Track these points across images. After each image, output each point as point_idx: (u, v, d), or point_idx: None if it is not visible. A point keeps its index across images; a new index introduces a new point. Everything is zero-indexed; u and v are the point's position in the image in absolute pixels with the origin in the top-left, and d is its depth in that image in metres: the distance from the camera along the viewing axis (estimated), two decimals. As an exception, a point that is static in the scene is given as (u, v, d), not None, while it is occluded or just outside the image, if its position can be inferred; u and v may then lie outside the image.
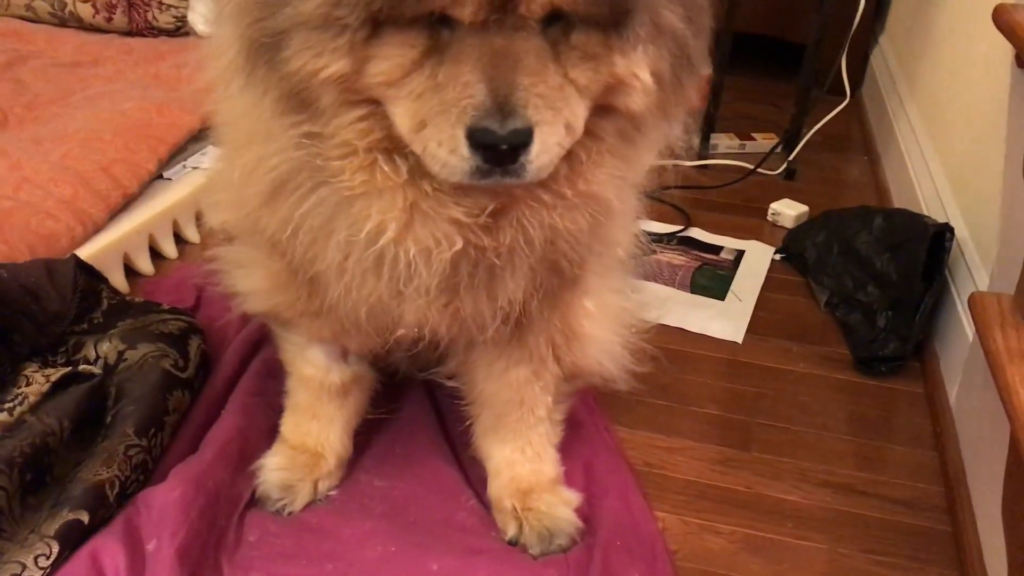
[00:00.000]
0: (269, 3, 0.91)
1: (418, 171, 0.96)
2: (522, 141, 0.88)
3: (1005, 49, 1.54)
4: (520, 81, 0.87)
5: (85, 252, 1.69)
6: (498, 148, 0.88)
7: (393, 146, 0.96)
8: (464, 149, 0.88)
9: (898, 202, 2.29)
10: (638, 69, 0.93)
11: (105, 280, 1.63)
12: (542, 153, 0.90)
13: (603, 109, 0.97)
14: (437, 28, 0.89)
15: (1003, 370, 1.17)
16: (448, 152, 0.89)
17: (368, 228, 1.00)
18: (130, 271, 1.84)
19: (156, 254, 1.92)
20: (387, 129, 0.95)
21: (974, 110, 1.88)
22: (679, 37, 0.95)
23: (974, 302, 1.35)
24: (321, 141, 0.97)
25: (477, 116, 0.87)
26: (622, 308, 1.40)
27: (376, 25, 0.88)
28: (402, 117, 0.92)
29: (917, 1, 2.69)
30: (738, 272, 2.09)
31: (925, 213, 1.98)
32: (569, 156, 0.97)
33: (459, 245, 1.00)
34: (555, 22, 0.90)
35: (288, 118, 0.97)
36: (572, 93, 0.92)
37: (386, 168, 0.97)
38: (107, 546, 1.18)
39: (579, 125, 0.94)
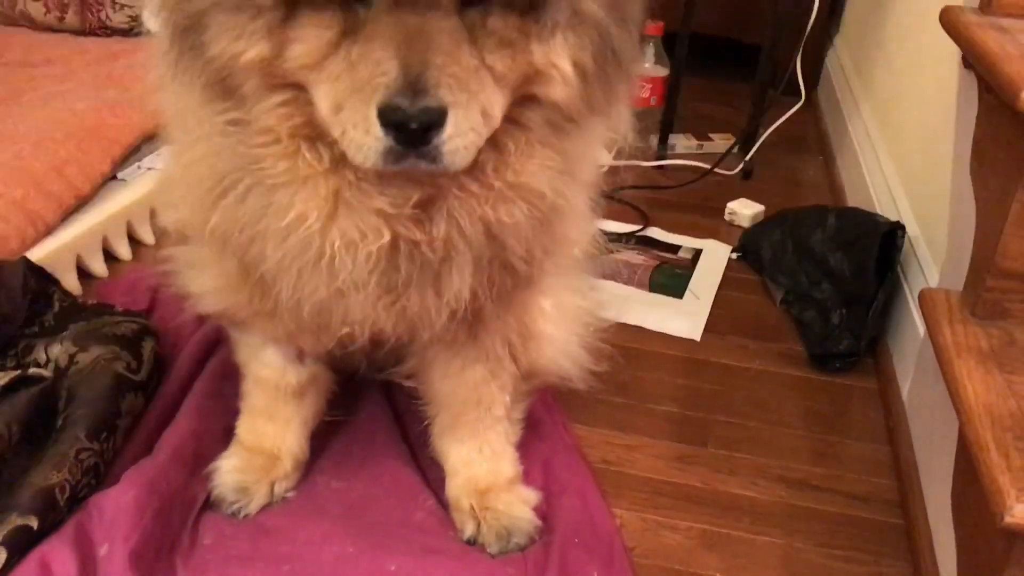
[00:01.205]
0: None
1: (342, 160, 0.95)
2: (433, 120, 0.87)
3: (952, 50, 1.56)
4: (433, 60, 0.86)
5: (37, 254, 1.66)
6: (409, 127, 0.86)
7: (316, 134, 0.95)
8: (377, 129, 0.87)
9: (852, 201, 2.32)
10: (557, 58, 0.92)
11: (57, 282, 1.61)
12: (456, 136, 0.89)
13: (528, 99, 0.96)
14: (352, 8, 0.88)
15: (951, 364, 1.20)
16: (363, 133, 0.88)
17: (290, 218, 0.98)
18: (83, 273, 1.81)
19: (109, 255, 1.89)
20: (309, 115, 0.94)
21: (924, 110, 1.91)
22: (601, 26, 0.94)
23: (924, 298, 1.38)
24: (246, 129, 0.96)
25: (388, 93, 0.85)
26: (579, 307, 1.40)
27: (291, 5, 0.87)
28: (323, 101, 0.91)
29: (870, 3, 2.73)
30: (696, 271, 2.11)
31: (878, 211, 2.01)
32: (496, 146, 0.97)
33: (386, 238, 0.99)
34: (472, 5, 0.89)
35: (215, 105, 0.96)
36: (488, 79, 0.91)
37: (308, 156, 0.96)
38: (57, 551, 1.16)
39: (496, 113, 0.93)
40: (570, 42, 0.92)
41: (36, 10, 2.48)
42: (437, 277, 1.07)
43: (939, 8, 1.57)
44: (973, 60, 1.37)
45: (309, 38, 0.89)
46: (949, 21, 1.50)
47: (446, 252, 1.04)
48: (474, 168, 0.97)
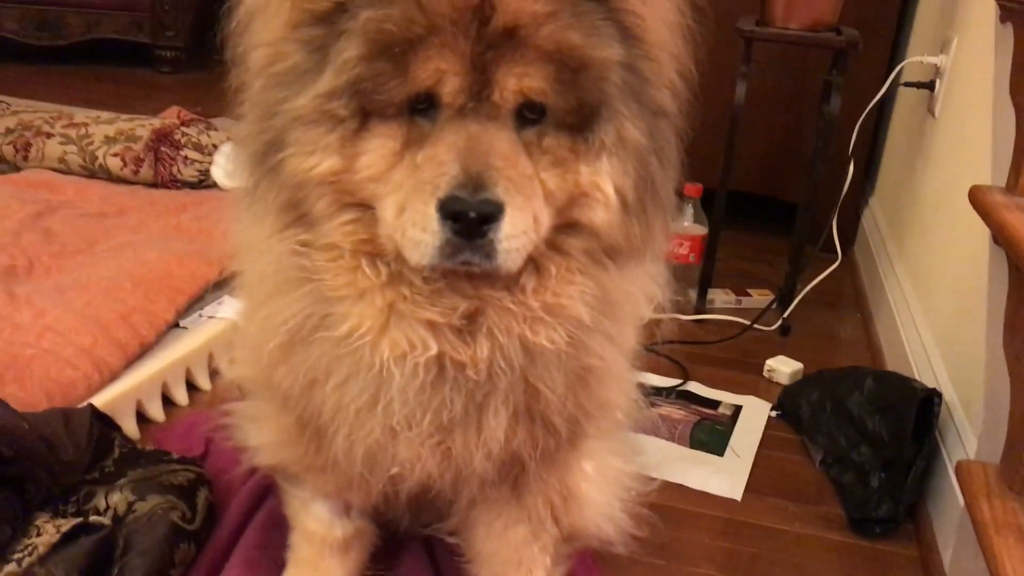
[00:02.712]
0: (270, 105, 1.01)
1: (398, 276, 1.03)
2: (490, 212, 0.94)
3: (983, 224, 1.62)
4: (493, 163, 0.95)
5: (100, 399, 1.74)
6: (467, 216, 0.93)
7: (376, 250, 1.03)
8: (435, 223, 0.94)
9: (890, 362, 2.35)
10: (601, 180, 1.01)
11: (118, 428, 1.68)
12: (511, 236, 0.96)
13: (570, 226, 1.04)
14: (416, 121, 0.98)
15: (990, 540, 1.21)
16: (421, 230, 0.95)
17: (346, 327, 1.05)
18: (141, 416, 1.89)
19: (167, 400, 1.97)
20: (372, 233, 1.02)
21: (957, 278, 1.96)
22: (641, 154, 1.03)
23: (961, 470, 1.40)
24: (313, 248, 1.04)
25: (448, 188, 0.93)
26: (621, 471, 1.44)
27: (365, 117, 0.97)
28: (387, 210, 0.99)
29: (903, 167, 2.83)
30: (736, 428, 2.13)
31: (916, 374, 2.04)
32: (538, 268, 1.04)
33: (434, 350, 1.05)
34: (530, 124, 0.99)
35: (286, 232, 1.05)
36: (540, 191, 0.99)
37: (368, 270, 1.04)
38: None
39: (545, 223, 1.00)
40: (614, 166, 1.01)
41: (114, 164, 2.66)
42: (480, 413, 1.12)
43: (969, 184, 1.64)
44: (1000, 240, 1.43)
45: (376, 148, 0.98)
46: (978, 200, 1.57)
47: (488, 380, 1.08)
48: (515, 287, 1.04)
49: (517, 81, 0.96)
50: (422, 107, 0.98)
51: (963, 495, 1.35)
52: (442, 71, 0.95)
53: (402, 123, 0.98)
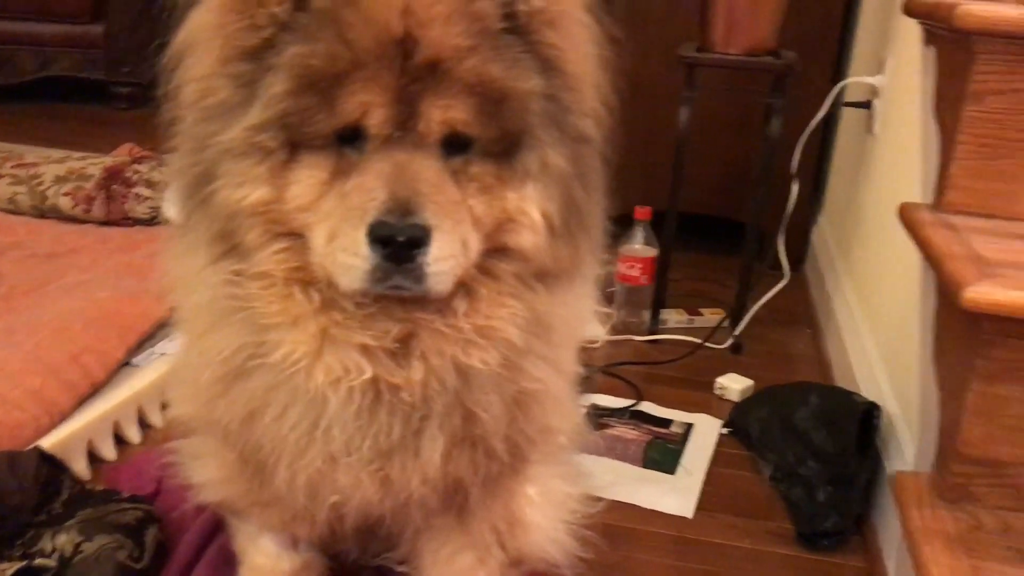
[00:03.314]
0: (201, 138, 1.04)
1: (330, 302, 1.06)
2: (419, 236, 0.97)
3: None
4: (420, 188, 0.98)
5: (50, 441, 1.74)
6: (396, 240, 0.96)
7: (308, 278, 1.06)
8: (364, 248, 0.97)
9: (838, 376, 2.39)
10: (527, 205, 1.05)
11: (66, 469, 1.67)
12: (439, 259, 0.99)
13: (500, 251, 1.08)
14: (344, 152, 1.01)
15: (919, 548, 1.24)
16: (352, 255, 0.98)
17: (280, 353, 1.07)
18: (93, 456, 1.88)
19: (119, 438, 1.96)
20: (303, 260, 1.05)
21: (897, 293, 2.01)
22: (565, 180, 1.07)
23: (896, 481, 1.43)
24: (245, 276, 1.07)
25: (377, 214, 0.96)
26: (567, 494, 1.46)
27: (293, 148, 1.00)
28: (318, 238, 1.02)
29: (848, 185, 2.89)
30: (687, 446, 2.16)
31: (861, 388, 2.08)
32: (469, 292, 1.08)
33: (368, 373, 1.07)
34: (457, 153, 1.02)
35: (219, 264, 1.07)
36: (468, 217, 1.03)
37: (300, 297, 1.06)
38: None
39: (474, 247, 1.04)
40: (539, 192, 1.05)
41: (65, 204, 2.66)
42: (417, 439, 1.14)
43: (904, 200, 1.69)
44: (925, 256, 1.47)
45: (305, 179, 1.01)
46: (906, 217, 1.62)
47: (424, 403, 1.11)
48: (447, 310, 1.07)
49: (442, 113, 1.00)
50: (349, 138, 1.01)
51: (897, 505, 1.38)
52: (368, 104, 0.99)
53: (330, 154, 1.01)
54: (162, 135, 1.14)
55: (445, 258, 1.00)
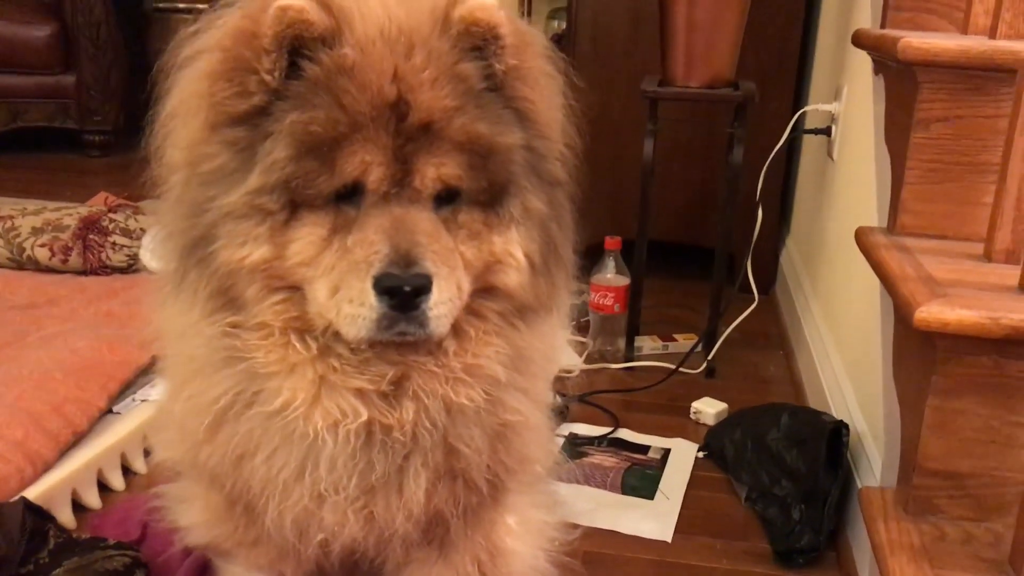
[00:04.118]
0: (199, 203, 1.07)
1: (327, 349, 1.11)
2: (422, 285, 1.03)
3: (872, 263, 1.73)
4: (419, 239, 1.04)
5: (34, 491, 1.75)
6: (402, 291, 1.02)
7: (306, 327, 1.10)
8: (372, 298, 1.02)
9: (810, 396, 2.45)
10: (512, 247, 1.12)
11: (52, 519, 1.69)
12: (440, 303, 1.05)
13: (485, 291, 1.14)
14: (343, 209, 1.06)
15: (886, 562, 1.29)
16: (358, 306, 1.03)
17: (279, 401, 1.11)
18: (76, 505, 1.90)
19: (103, 486, 1.98)
20: (301, 310, 1.09)
21: (860, 313, 2.07)
22: (544, 222, 1.15)
23: (863, 496, 1.48)
24: (243, 328, 1.11)
25: (382, 266, 1.02)
26: (544, 523, 1.50)
27: (293, 208, 1.05)
28: (320, 291, 1.06)
29: (812, 210, 2.97)
30: (665, 471, 2.20)
31: (831, 407, 2.14)
32: (458, 333, 1.13)
33: (364, 416, 1.12)
34: (446, 203, 1.08)
35: (215, 316, 1.11)
36: (459, 262, 1.09)
37: (298, 345, 1.11)
38: None
39: (466, 289, 1.10)
40: (522, 235, 1.12)
41: (42, 255, 2.68)
42: (400, 477, 1.19)
43: (862, 223, 1.76)
44: (880, 278, 1.53)
45: (306, 236, 1.06)
46: (862, 240, 1.68)
47: (412, 441, 1.15)
48: (438, 351, 1.13)
49: (435, 170, 1.06)
50: (347, 195, 1.06)
51: (864, 519, 1.43)
52: (367, 163, 1.04)
53: (328, 211, 1.06)
54: (146, 191, 1.18)
55: (445, 302, 1.06)
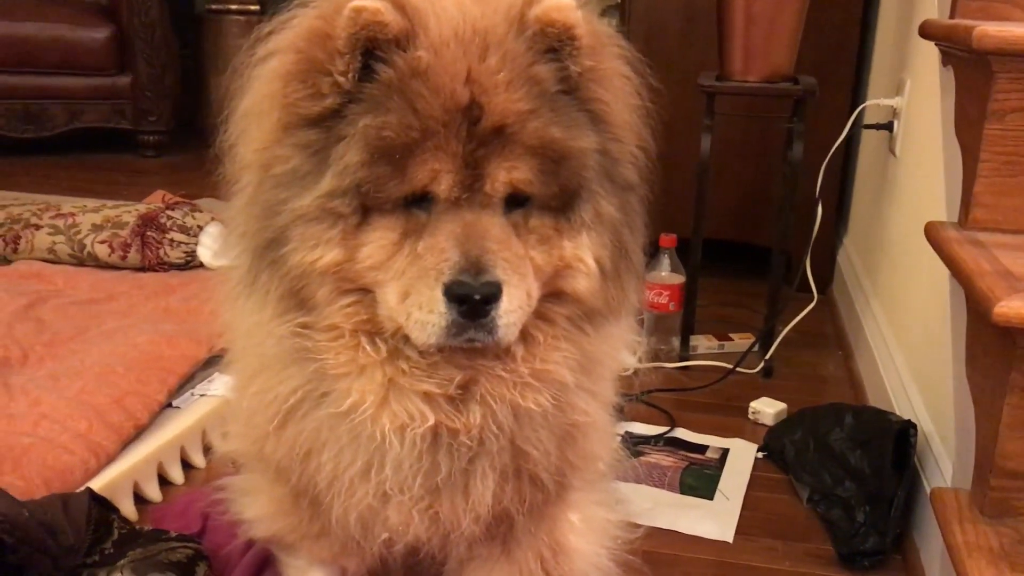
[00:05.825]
0: (271, 205, 1.07)
1: (396, 351, 1.10)
2: (493, 293, 1.01)
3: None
4: (490, 247, 1.02)
5: (97, 483, 1.78)
6: (472, 299, 1.00)
7: (375, 329, 1.09)
8: (442, 306, 1.01)
9: (871, 397, 2.40)
10: (583, 253, 1.10)
11: (116, 510, 1.71)
12: (509, 312, 1.03)
13: (555, 295, 1.11)
14: (413, 213, 1.04)
15: (963, 564, 1.25)
16: (428, 312, 1.02)
17: (348, 403, 1.10)
18: (138, 498, 1.92)
19: (163, 480, 2.00)
20: (371, 313, 1.08)
21: (926, 311, 2.02)
22: (616, 227, 1.12)
23: (935, 497, 1.44)
24: (314, 329, 1.10)
25: (453, 273, 1.00)
26: (607, 521, 1.48)
27: (365, 212, 1.04)
28: (390, 295, 1.05)
29: (872, 207, 2.91)
30: (724, 471, 2.17)
31: (894, 407, 2.09)
32: (526, 338, 1.11)
33: (431, 421, 1.11)
34: (516, 207, 1.06)
35: (287, 316, 1.10)
36: (530, 268, 1.07)
37: (368, 348, 1.09)
38: None
39: (535, 296, 1.08)
40: (593, 240, 1.10)
41: (102, 251, 2.72)
42: (467, 478, 1.17)
43: (929, 219, 1.71)
44: (954, 274, 1.49)
45: (377, 240, 1.05)
46: (932, 236, 1.64)
47: (479, 445, 1.14)
48: (506, 356, 1.11)
49: (507, 174, 1.04)
50: (417, 200, 1.05)
51: (938, 521, 1.39)
52: (437, 171, 1.03)
53: (399, 215, 1.05)
54: (211, 188, 1.18)
55: (514, 310, 1.04)
